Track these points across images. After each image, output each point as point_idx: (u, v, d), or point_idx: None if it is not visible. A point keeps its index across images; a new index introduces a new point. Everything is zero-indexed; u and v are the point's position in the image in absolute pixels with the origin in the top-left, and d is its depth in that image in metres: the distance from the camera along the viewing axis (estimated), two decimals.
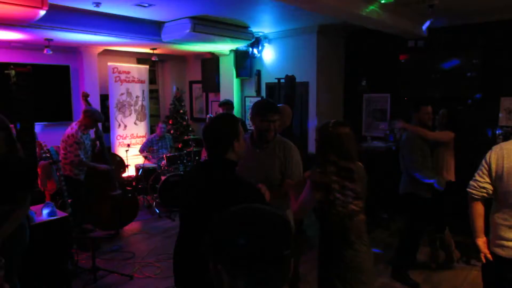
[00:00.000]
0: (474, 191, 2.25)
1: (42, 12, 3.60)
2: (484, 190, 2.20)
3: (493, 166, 2.14)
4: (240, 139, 1.90)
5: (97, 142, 4.73)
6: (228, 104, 5.62)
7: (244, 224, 0.93)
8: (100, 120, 4.54)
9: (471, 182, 2.28)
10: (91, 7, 4.49)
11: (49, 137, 5.32)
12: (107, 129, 6.71)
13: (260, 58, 6.72)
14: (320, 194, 2.10)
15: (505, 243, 2.14)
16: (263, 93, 6.81)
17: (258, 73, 6.82)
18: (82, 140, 4.39)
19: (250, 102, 7.03)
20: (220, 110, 5.65)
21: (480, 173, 2.23)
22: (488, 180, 2.18)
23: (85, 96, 4.79)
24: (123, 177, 6.12)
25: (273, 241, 0.91)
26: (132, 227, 5.23)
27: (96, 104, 6.22)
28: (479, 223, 2.27)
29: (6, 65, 3.81)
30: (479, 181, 2.22)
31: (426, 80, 5.66)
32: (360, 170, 2.22)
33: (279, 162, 2.55)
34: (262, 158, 2.56)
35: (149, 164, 6.49)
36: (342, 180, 2.09)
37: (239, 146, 1.89)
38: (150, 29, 5.52)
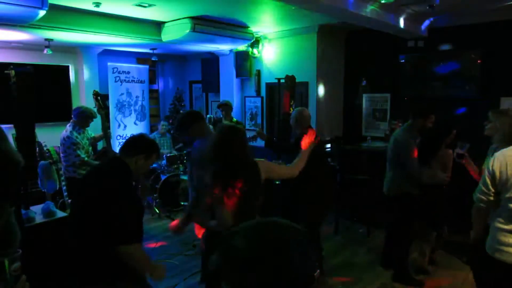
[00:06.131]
0: (482, 204, 2.28)
1: (42, 12, 3.60)
2: (492, 198, 2.22)
3: (497, 173, 2.15)
4: None
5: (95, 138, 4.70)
6: (227, 105, 5.61)
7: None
8: (92, 116, 4.43)
9: (479, 196, 2.28)
10: (91, 7, 4.49)
11: (49, 137, 5.29)
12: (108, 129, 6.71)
13: (260, 58, 6.72)
14: None
15: (504, 248, 2.17)
16: (263, 93, 6.80)
17: (258, 73, 6.81)
18: (79, 141, 4.32)
19: (250, 102, 7.03)
20: (220, 111, 5.64)
21: (486, 184, 2.23)
22: (492, 189, 2.20)
23: (96, 94, 4.69)
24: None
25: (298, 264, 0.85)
26: None
27: None
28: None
29: (6, 65, 3.80)
30: (486, 193, 2.23)
31: (426, 80, 5.65)
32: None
33: None
34: None
35: None
36: None
37: None
38: (150, 29, 5.52)
